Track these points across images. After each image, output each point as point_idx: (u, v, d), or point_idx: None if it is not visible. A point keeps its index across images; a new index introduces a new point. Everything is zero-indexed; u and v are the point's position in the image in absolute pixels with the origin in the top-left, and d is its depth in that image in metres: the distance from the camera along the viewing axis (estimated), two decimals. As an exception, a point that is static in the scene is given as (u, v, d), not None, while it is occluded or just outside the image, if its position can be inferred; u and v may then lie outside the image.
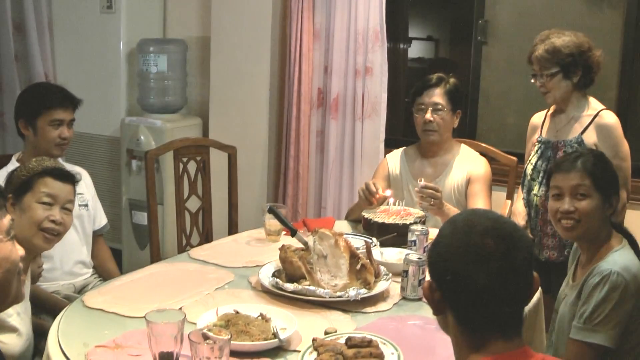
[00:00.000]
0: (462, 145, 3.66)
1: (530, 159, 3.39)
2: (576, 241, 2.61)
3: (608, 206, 2.46)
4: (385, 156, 3.78)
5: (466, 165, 3.54)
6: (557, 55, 3.17)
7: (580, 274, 2.50)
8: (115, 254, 3.62)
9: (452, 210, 3.28)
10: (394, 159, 3.69)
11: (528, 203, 3.36)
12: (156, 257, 3.48)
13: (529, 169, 3.37)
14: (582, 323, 2.32)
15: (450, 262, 1.47)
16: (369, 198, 3.34)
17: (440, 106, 3.49)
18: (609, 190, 2.46)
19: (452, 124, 3.57)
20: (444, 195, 3.32)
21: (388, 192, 3.37)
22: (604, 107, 3.26)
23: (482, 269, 1.43)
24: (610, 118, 3.21)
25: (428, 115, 3.48)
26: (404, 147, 3.73)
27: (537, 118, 3.50)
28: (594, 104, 3.28)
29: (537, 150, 3.36)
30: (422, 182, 3.24)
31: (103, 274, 3.38)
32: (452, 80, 3.55)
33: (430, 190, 3.20)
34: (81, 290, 3.23)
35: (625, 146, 3.20)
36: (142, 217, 4.82)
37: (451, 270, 1.46)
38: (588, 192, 2.43)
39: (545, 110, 3.46)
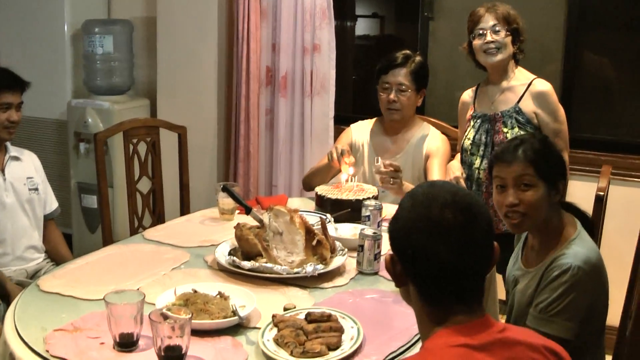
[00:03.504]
0: (424, 123, 3.70)
1: (466, 134, 3.42)
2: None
3: (555, 193, 2.33)
4: (350, 125, 3.81)
5: (426, 142, 3.59)
6: (510, 21, 3.27)
7: (533, 259, 2.42)
8: (66, 238, 3.57)
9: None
10: (359, 130, 3.73)
11: (469, 178, 3.38)
12: (108, 240, 3.44)
13: (466, 143, 3.40)
14: (537, 312, 2.26)
15: (410, 236, 1.47)
16: (339, 159, 3.34)
17: (404, 87, 3.52)
18: (554, 177, 2.34)
19: (416, 103, 3.61)
20: (404, 172, 3.35)
21: (351, 170, 3.38)
22: (534, 76, 3.34)
23: (442, 243, 1.44)
24: (544, 85, 3.29)
25: (392, 95, 3.52)
26: (368, 120, 3.77)
27: (467, 95, 3.55)
28: (525, 74, 3.36)
29: (473, 125, 3.40)
30: (381, 162, 3.26)
31: (56, 259, 3.35)
32: (417, 59, 3.58)
33: (390, 170, 3.22)
34: (33, 275, 3.20)
35: (562, 110, 3.29)
36: (91, 201, 4.77)
37: (411, 244, 1.47)
38: (532, 182, 2.30)
39: (474, 87, 3.52)
